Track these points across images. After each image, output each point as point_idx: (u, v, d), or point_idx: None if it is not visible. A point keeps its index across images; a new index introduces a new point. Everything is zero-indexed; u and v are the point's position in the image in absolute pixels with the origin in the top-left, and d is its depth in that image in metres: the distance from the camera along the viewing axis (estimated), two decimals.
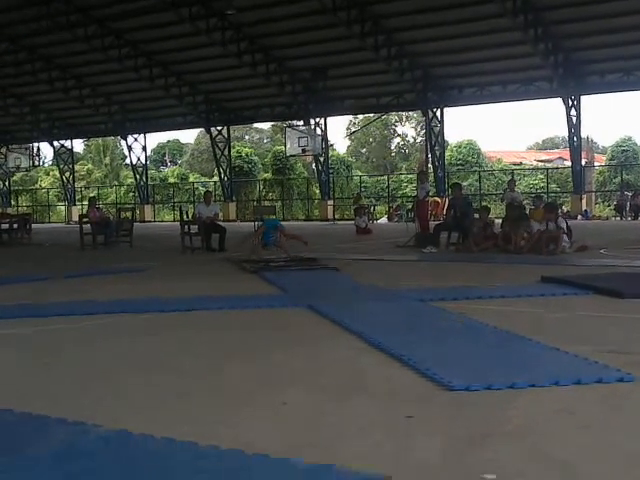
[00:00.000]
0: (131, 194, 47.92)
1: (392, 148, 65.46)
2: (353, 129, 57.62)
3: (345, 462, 2.80)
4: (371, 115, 44.11)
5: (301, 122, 34.99)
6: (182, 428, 3.31)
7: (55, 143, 44.46)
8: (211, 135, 39.42)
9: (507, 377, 4.02)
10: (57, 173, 48.51)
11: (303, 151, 34.31)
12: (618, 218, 33.24)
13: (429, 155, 34.27)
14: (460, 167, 44.15)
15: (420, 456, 2.96)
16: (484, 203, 30.47)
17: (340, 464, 2.76)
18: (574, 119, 30.43)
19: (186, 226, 15.95)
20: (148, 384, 4.28)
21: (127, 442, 3.11)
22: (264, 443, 3.08)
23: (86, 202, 30.84)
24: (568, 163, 36.48)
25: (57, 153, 45.09)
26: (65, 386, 4.28)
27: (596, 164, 45.32)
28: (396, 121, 63.15)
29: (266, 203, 39.28)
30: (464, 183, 35.77)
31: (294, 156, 37.97)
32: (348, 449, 3.05)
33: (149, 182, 44.53)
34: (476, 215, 15.25)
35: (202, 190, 39.27)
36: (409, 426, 3.34)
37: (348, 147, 63.85)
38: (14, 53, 34.51)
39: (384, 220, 35.98)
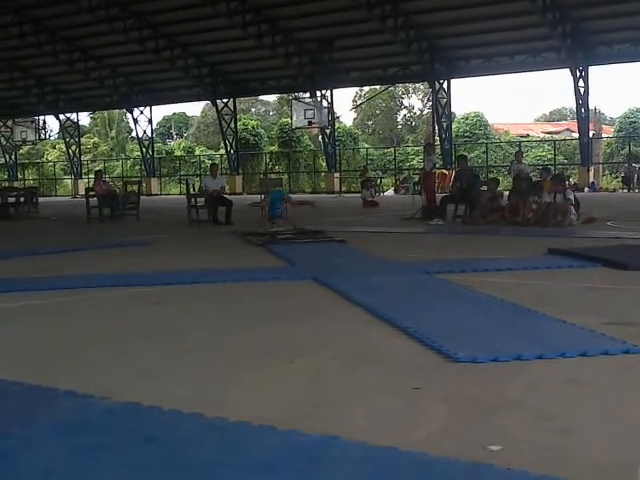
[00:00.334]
0: (137, 167, 47.91)
1: (399, 120, 65.18)
2: (359, 101, 57.29)
3: (351, 433, 2.81)
4: (377, 87, 43.83)
5: (307, 94, 34.84)
6: (188, 399, 3.32)
7: (61, 116, 44.38)
8: (217, 107, 39.27)
9: (513, 349, 4.02)
10: (63, 146, 48.50)
11: (309, 123, 34.15)
12: (625, 190, 33.11)
13: (436, 127, 34.10)
14: (467, 139, 43.94)
15: (425, 427, 2.97)
16: (491, 175, 30.40)
17: (345, 435, 2.77)
18: (582, 90, 30.20)
19: (192, 199, 15.94)
20: (154, 355, 4.29)
21: (135, 414, 3.13)
22: (270, 414, 3.10)
23: (92, 175, 30.83)
24: (575, 135, 36.28)
25: (63, 126, 45.03)
26: (72, 358, 4.29)
27: (604, 136, 45.04)
28: (403, 93, 62.81)
29: (272, 176, 39.21)
30: (471, 155, 35.67)
31: (300, 128, 37.81)
32: (354, 420, 3.06)
33: (155, 155, 44.45)
34: (484, 187, 15.21)
35: (208, 163, 39.21)
36: (415, 397, 3.35)
37: (354, 119, 63.62)
38: (19, 25, 34.32)
39: (390, 192, 35.91)
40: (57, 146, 55.80)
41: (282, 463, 2.54)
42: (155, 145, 45.28)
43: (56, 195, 47.04)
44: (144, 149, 42.60)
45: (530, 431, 2.89)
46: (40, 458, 2.62)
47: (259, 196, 14.67)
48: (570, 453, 2.65)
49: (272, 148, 47.35)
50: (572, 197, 13.25)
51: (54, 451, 2.69)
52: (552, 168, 27.59)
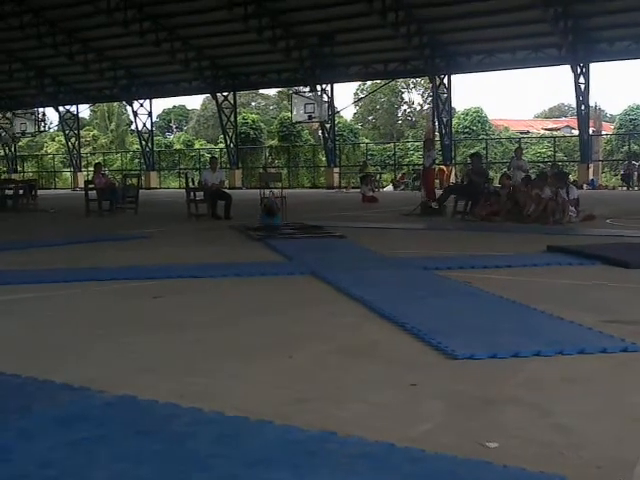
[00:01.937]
0: (137, 160, 47.85)
1: (399, 115, 65.06)
2: (361, 95, 57.18)
3: (347, 429, 2.81)
4: (378, 81, 43.76)
5: (307, 88, 34.78)
6: (187, 393, 3.32)
7: (60, 108, 44.28)
8: (217, 101, 39.19)
9: (511, 346, 4.02)
10: (63, 139, 48.41)
11: (309, 118, 34.12)
12: (625, 188, 33.09)
13: (436, 123, 34.05)
14: (467, 135, 43.89)
15: (422, 423, 2.97)
16: (490, 171, 30.37)
17: (342, 431, 2.77)
18: (582, 87, 30.13)
19: (192, 193, 15.92)
20: (152, 349, 4.29)
21: (132, 408, 3.13)
22: (268, 408, 3.10)
23: (92, 168, 30.79)
24: (575, 131, 36.23)
25: (63, 118, 44.94)
26: (71, 351, 4.29)
27: (604, 133, 44.98)
28: (403, 88, 62.69)
29: (272, 170, 39.16)
30: (470, 151, 35.63)
31: (300, 123, 37.75)
32: (350, 415, 3.06)
33: (155, 148, 44.38)
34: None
35: (208, 157, 39.13)
36: (412, 394, 3.35)
37: (355, 114, 63.51)
38: (19, 16, 34.21)
39: (390, 188, 35.89)
40: (56, 138, 55.69)
41: (279, 458, 2.54)
42: (155, 138, 45.20)
43: (55, 188, 46.98)
44: (144, 142, 42.54)
45: (528, 428, 2.89)
46: (37, 450, 2.62)
47: (259, 191, 14.49)
48: (568, 450, 2.65)
49: (272, 142, 47.29)
50: (574, 194, 13.25)
51: (51, 444, 2.68)
52: (553, 165, 27.55)
